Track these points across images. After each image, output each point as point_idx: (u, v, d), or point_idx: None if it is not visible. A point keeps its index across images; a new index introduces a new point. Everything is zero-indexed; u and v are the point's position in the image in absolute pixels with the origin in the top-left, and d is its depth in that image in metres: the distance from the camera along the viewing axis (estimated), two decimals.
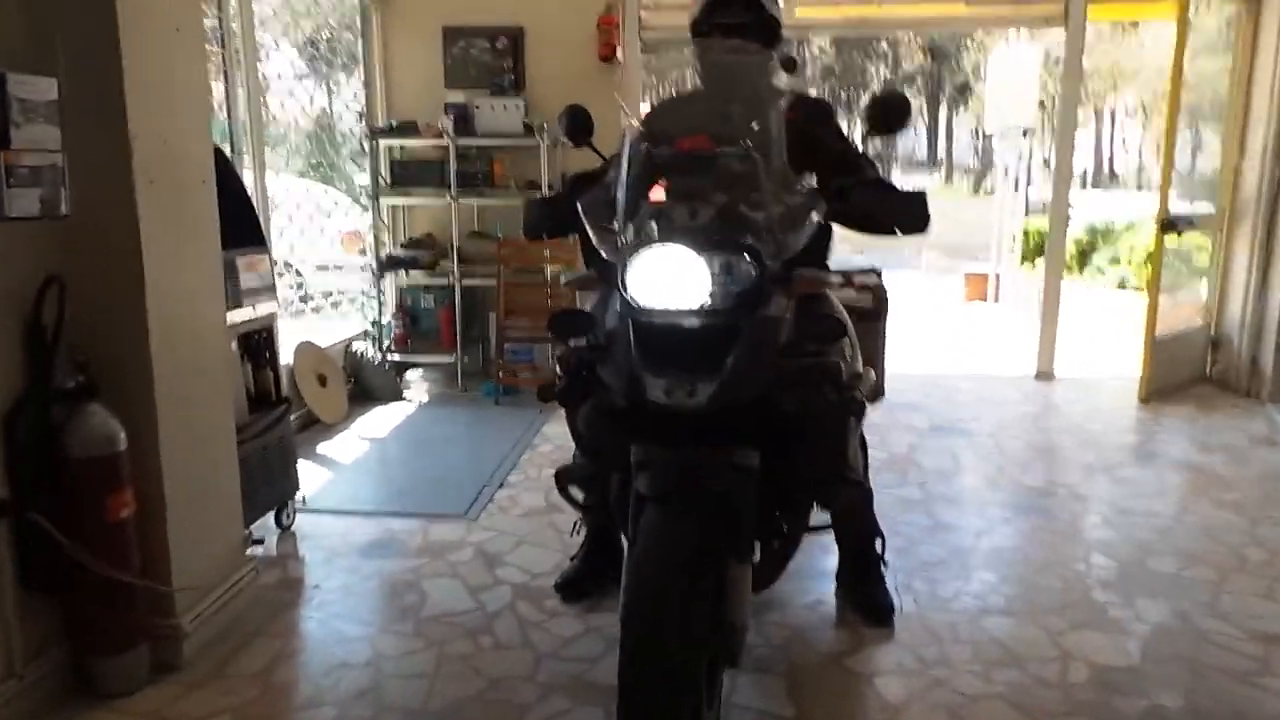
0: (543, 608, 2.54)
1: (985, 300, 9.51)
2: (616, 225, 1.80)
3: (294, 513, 3.08)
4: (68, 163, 2.01)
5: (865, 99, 1.98)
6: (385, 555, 2.88)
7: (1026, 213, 9.57)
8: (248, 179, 3.86)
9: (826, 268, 1.94)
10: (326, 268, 5.65)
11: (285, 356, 4.16)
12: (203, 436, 2.33)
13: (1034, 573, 2.76)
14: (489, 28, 5.18)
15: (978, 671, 2.21)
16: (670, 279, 1.64)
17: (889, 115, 1.84)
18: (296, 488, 3.09)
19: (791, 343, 1.71)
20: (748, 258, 1.63)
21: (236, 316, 2.70)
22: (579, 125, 2.04)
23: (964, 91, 28.63)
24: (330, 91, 5.55)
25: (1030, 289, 8.52)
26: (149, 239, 2.11)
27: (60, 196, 1.99)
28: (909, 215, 1.88)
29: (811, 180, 1.95)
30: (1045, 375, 5.36)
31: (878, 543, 2.52)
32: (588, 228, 1.84)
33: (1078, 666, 2.23)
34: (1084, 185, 23.37)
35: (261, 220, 3.89)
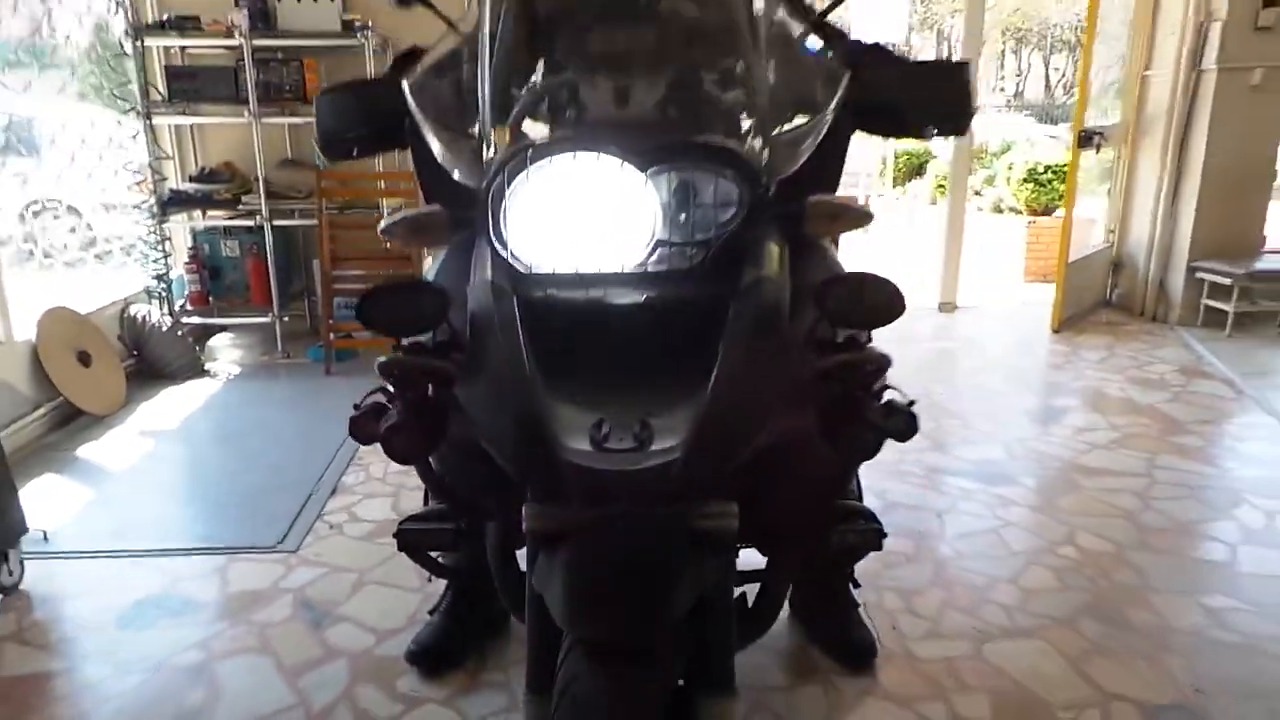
0: (394, 692, 1.77)
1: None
2: (479, 125, 1.00)
3: (21, 565, 2.15)
4: None
5: None
6: (160, 622, 2.01)
7: None
8: None
9: (837, 190, 1.20)
10: (114, 208, 4.46)
11: (24, 331, 3.12)
12: None
13: (1022, 567, 2.22)
14: None
15: None
16: (585, 217, 0.88)
17: None
18: (20, 530, 2.15)
19: (804, 327, 0.98)
20: (729, 172, 0.89)
21: None
22: None
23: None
24: None
25: (904, 214, 8.21)
26: None
27: None
28: (952, 103, 1.18)
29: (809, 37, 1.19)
30: (949, 306, 4.93)
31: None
32: (426, 132, 1.04)
33: (1125, 711, 1.69)
34: None
35: None
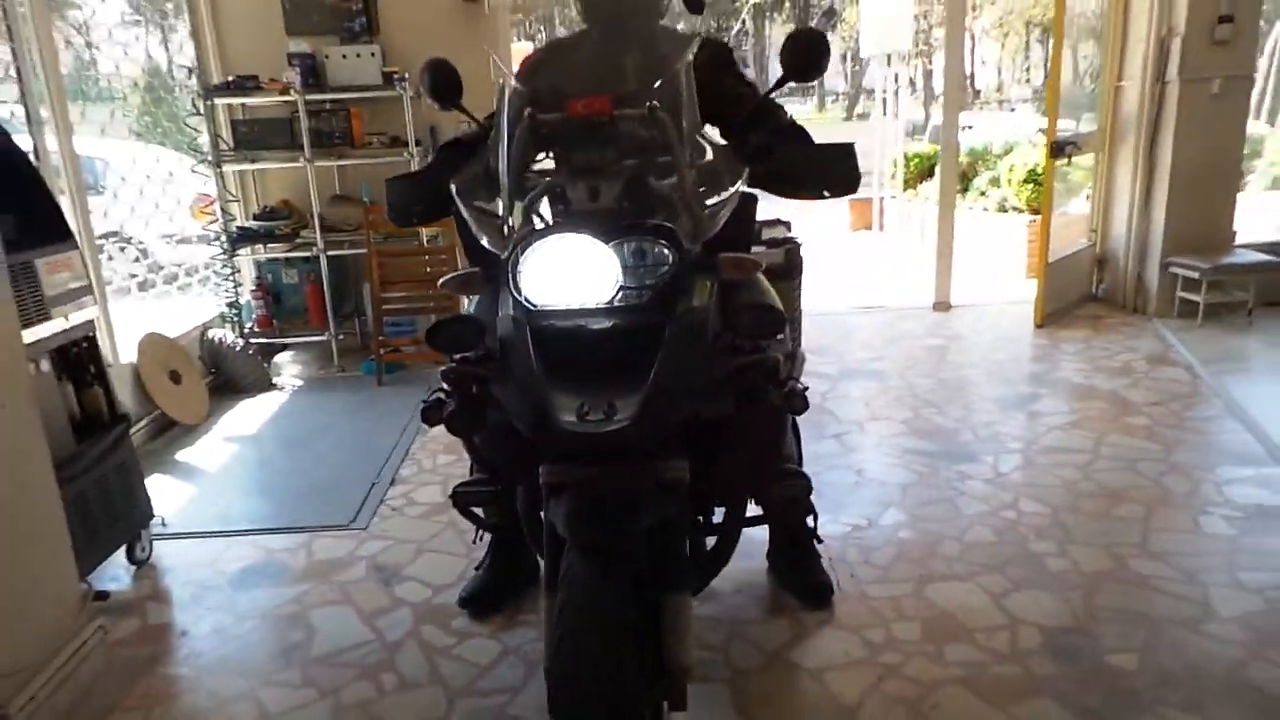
0: (450, 629, 2.25)
1: (871, 229, 9.55)
2: (500, 207, 1.48)
3: (150, 544, 2.68)
4: None
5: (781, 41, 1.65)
6: (263, 583, 2.53)
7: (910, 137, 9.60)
8: (50, 144, 3.29)
9: (750, 244, 1.67)
10: (173, 239, 5.05)
11: (127, 354, 3.67)
12: (7, 490, 1.90)
13: (967, 526, 2.64)
14: None
15: (929, 653, 2.06)
16: (572, 273, 1.35)
17: (808, 57, 1.56)
18: (149, 515, 2.68)
19: (719, 338, 1.45)
20: (663, 242, 1.36)
21: (44, 331, 2.24)
22: (444, 83, 1.70)
23: (830, 16, 28.65)
24: (165, 36, 4.88)
25: (916, 215, 8.57)
26: None
27: None
28: (840, 175, 1.63)
29: (718, 140, 1.67)
30: (943, 305, 5.33)
31: (809, 519, 2.33)
32: (465, 215, 1.52)
33: (1029, 632, 2.12)
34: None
35: (71, 194, 3.36)
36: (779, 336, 1.47)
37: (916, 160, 9.58)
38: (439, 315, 4.53)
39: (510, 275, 1.36)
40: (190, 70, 4.48)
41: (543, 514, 1.49)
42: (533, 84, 1.53)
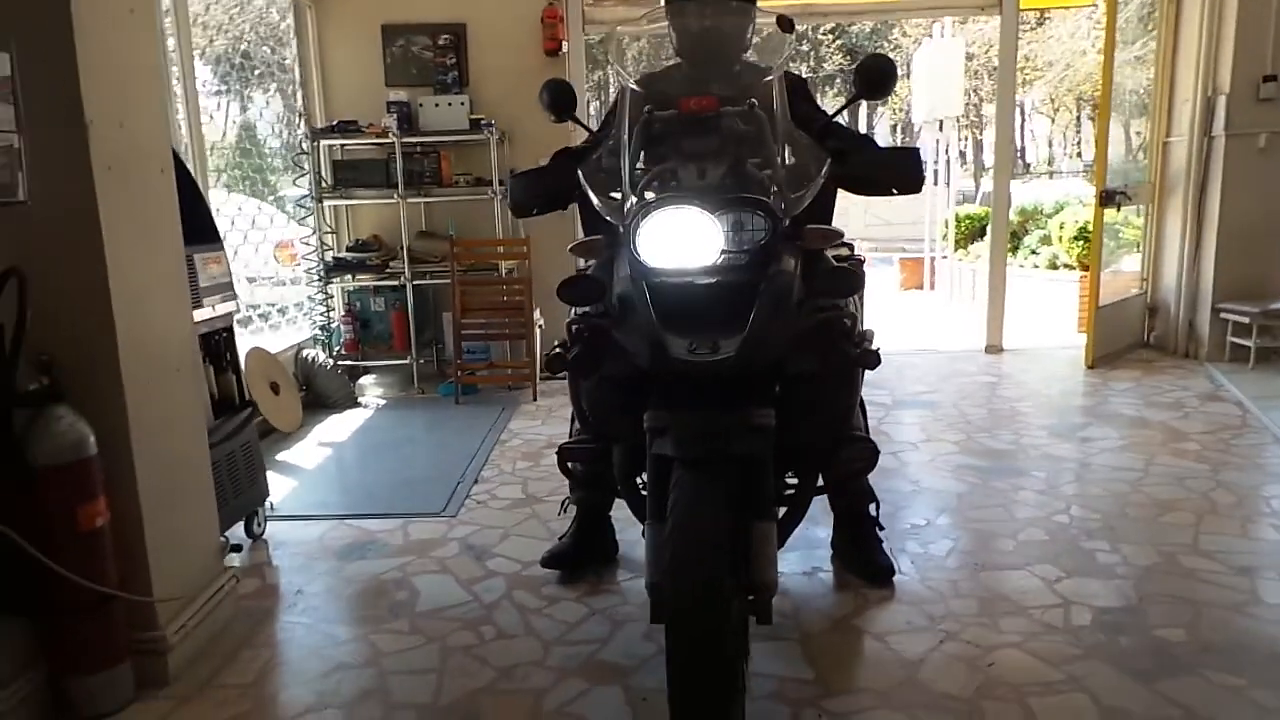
0: (541, 595, 2.47)
1: (922, 289, 9.75)
2: (621, 191, 1.76)
3: (264, 520, 2.95)
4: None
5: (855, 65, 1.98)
6: (366, 556, 2.78)
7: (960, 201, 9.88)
8: None
9: (829, 223, 1.93)
10: (255, 280, 5.45)
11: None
12: (175, 440, 2.20)
13: (1021, 528, 2.80)
14: (429, 24, 5.10)
15: (986, 623, 2.22)
16: (683, 239, 1.61)
17: (878, 78, 1.83)
18: (266, 494, 2.96)
19: (803, 300, 1.69)
20: (759, 214, 1.62)
21: (198, 316, 2.57)
22: (561, 99, 2.00)
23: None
24: (245, 106, 5.35)
25: (967, 275, 8.76)
26: (110, 229, 1.98)
27: (17, 180, 1.86)
28: (906, 174, 1.89)
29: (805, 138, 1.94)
30: (995, 349, 5.49)
31: (871, 506, 2.52)
32: (591, 195, 1.80)
33: (1080, 610, 2.27)
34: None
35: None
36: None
37: (968, 221, 9.78)
38: (513, 340, 4.84)
39: (631, 242, 1.62)
40: (300, 115, 4.93)
41: (650, 451, 1.71)
42: (648, 89, 1.82)
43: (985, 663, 2.05)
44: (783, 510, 1.97)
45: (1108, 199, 4.90)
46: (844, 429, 1.98)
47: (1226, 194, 4.87)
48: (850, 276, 1.69)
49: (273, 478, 3.48)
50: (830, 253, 2.80)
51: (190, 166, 3.70)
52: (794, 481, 2.03)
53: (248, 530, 2.87)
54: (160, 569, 2.08)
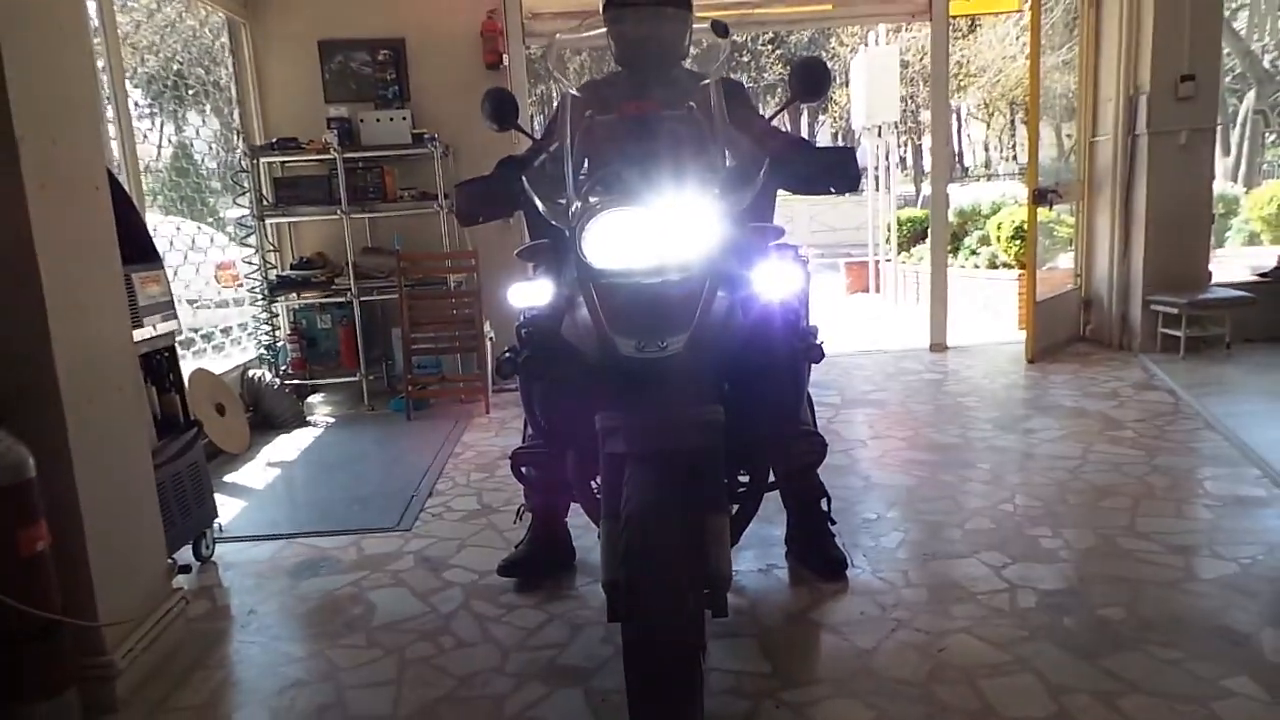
0: (499, 603, 2.46)
1: (867, 291, 9.94)
2: (565, 196, 1.78)
3: (213, 542, 2.89)
4: None
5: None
6: (319, 573, 2.74)
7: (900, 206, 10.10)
8: None
9: (771, 221, 1.98)
10: (196, 302, 5.34)
11: None
12: (118, 461, 2.15)
13: (968, 517, 2.87)
14: (368, 40, 5.08)
15: (936, 610, 2.28)
16: (629, 241, 1.64)
17: (811, 80, 1.89)
18: (214, 515, 2.91)
19: (747, 296, 1.73)
20: (702, 214, 1.65)
21: (138, 335, 2.52)
22: (503, 108, 2.02)
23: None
24: (180, 127, 5.26)
25: (910, 277, 8.95)
26: (45, 247, 1.93)
27: None
28: (842, 172, 1.95)
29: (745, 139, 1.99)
30: (939, 347, 5.63)
31: (823, 502, 2.57)
32: (536, 201, 1.82)
33: (1025, 594, 2.34)
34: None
35: None
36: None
37: (909, 224, 10.01)
38: (463, 353, 4.82)
39: (577, 245, 1.64)
40: (238, 133, 4.86)
41: (602, 450, 1.73)
42: (589, 96, 1.85)
43: (936, 649, 2.10)
44: (736, 508, 2.00)
45: (1040, 198, 5.07)
46: (793, 423, 2.02)
47: (1151, 190, 5.06)
48: (793, 273, 1.74)
49: (221, 499, 3.42)
50: (773, 250, 2.89)
51: (125, 187, 3.63)
52: (746, 479, 2.06)
53: (196, 553, 2.81)
54: (106, 593, 2.04)
